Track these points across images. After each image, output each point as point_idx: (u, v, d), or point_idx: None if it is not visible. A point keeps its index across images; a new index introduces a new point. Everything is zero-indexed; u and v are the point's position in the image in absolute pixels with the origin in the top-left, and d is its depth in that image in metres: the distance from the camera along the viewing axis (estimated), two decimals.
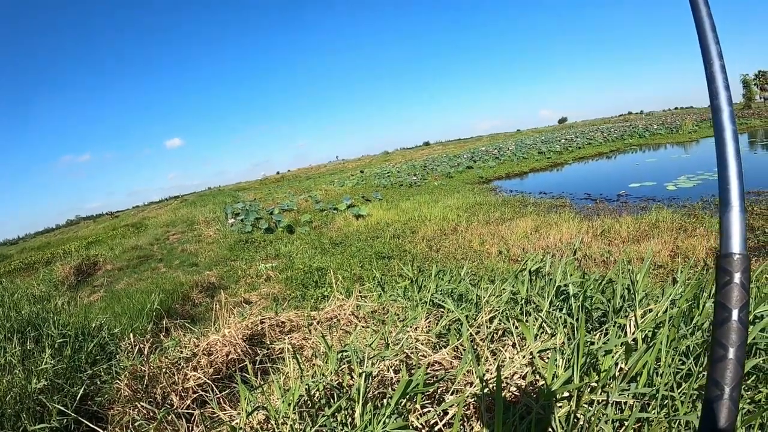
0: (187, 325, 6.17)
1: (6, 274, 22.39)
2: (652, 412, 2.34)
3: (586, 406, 2.41)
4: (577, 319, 2.95)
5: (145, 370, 4.73)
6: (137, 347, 5.33)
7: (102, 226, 52.30)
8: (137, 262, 18.48)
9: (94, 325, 6.71)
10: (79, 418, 4.10)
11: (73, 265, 18.00)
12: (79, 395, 4.70)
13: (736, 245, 1.04)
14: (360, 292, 5.43)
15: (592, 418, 2.31)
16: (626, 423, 2.29)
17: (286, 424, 2.60)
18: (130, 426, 4.08)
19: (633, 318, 2.87)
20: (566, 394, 2.47)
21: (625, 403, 2.42)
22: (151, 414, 4.19)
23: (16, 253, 40.19)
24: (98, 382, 5.14)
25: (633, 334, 2.79)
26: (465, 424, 2.55)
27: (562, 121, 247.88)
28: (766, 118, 61.91)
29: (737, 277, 1.00)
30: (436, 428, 2.53)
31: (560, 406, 2.42)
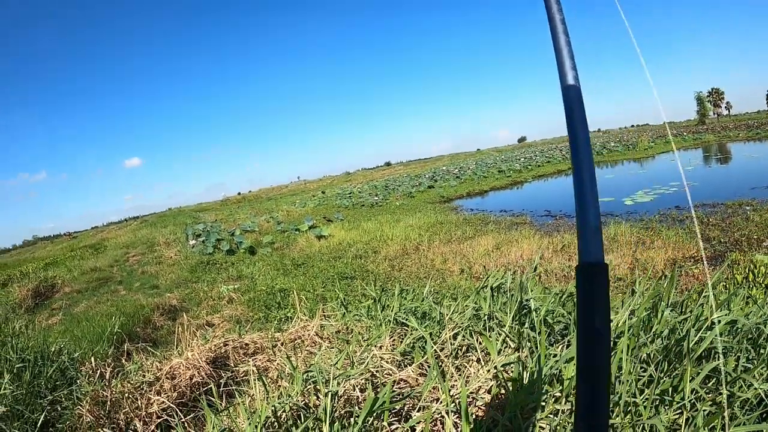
0: (149, 348, 6.12)
1: None
2: (617, 418, 2.39)
3: (551, 416, 2.45)
4: (539, 333, 2.99)
5: (107, 395, 4.67)
6: (98, 372, 5.26)
7: (60, 247, 51.52)
8: (97, 285, 18.24)
9: (53, 349, 6.59)
10: None
11: (31, 287, 17.68)
12: (39, 422, 4.62)
13: (593, 254, 1.03)
14: (324, 312, 5.43)
15: (558, 427, 2.35)
16: None
17: None
18: None
19: None
20: (531, 405, 2.51)
21: None
22: None
23: None
24: (59, 408, 5.06)
25: None
26: None
27: (522, 140, 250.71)
28: (719, 133, 63.53)
29: (596, 284, 1.01)
30: None
31: (526, 417, 2.45)
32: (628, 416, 2.40)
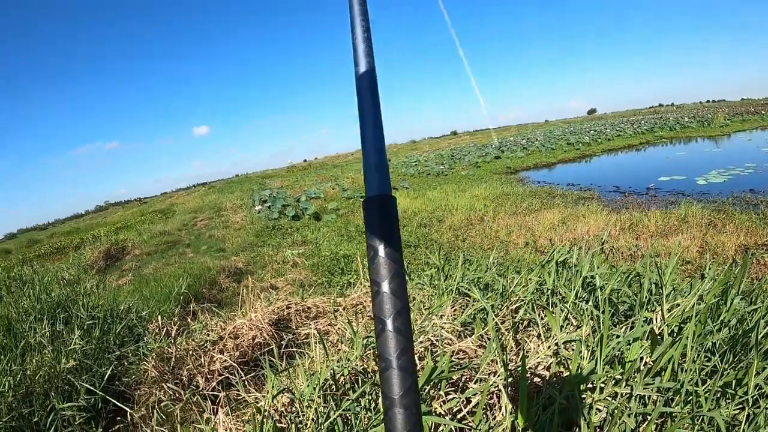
0: (214, 309, 6.24)
1: (36, 258, 22.71)
2: (676, 407, 2.32)
3: (609, 398, 2.40)
4: (602, 312, 2.94)
5: (172, 352, 4.79)
6: (165, 330, 5.40)
7: (131, 212, 52.74)
8: (165, 247, 18.63)
9: (122, 307, 6.80)
10: (107, 397, 4.17)
11: (102, 249, 18.18)
12: (107, 375, 4.78)
13: (378, 188, 0.96)
14: None
15: (615, 411, 2.31)
16: (649, 417, 2.28)
17: (311, 407, 2.62)
18: (156, 406, 4.13)
19: (660, 312, 2.86)
20: (590, 385, 2.47)
21: (649, 397, 2.41)
22: (177, 395, 4.25)
23: (46, 238, 40.63)
24: (126, 363, 5.23)
25: (659, 328, 2.78)
26: (488, 412, 2.56)
27: (592, 112, 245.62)
28: None
29: (386, 214, 0.94)
30: (459, 415, 2.54)
31: (583, 398, 2.42)
32: (688, 406, 2.34)
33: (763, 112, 66.78)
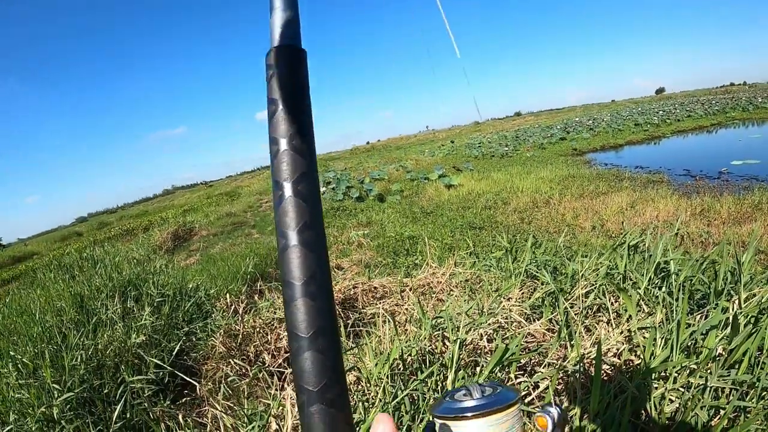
0: (280, 288, 6.31)
1: (107, 239, 23.48)
2: (750, 401, 2.25)
3: (682, 389, 2.35)
4: (676, 299, 2.88)
5: (239, 329, 4.87)
6: (232, 307, 5.49)
7: (197, 195, 53.84)
8: (231, 228, 18.98)
9: (191, 286, 6.95)
10: (175, 372, 4.27)
11: (170, 231, 18.68)
12: (175, 350, 4.91)
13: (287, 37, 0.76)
14: (453, 261, 5.43)
15: (689, 402, 2.25)
16: (723, 411, 2.22)
17: (379, 385, 2.64)
18: (223, 381, 4.21)
19: (737, 301, 2.78)
20: (662, 374, 2.42)
21: (722, 389, 2.35)
22: (244, 370, 4.32)
23: (116, 221, 41.83)
24: (194, 339, 5.34)
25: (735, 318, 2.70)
26: (556, 398, 2.54)
27: (660, 91, 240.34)
28: None
29: (295, 68, 0.76)
30: (527, 399, 2.52)
31: (656, 387, 2.37)
32: (763, 401, 2.26)
33: None
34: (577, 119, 70.94)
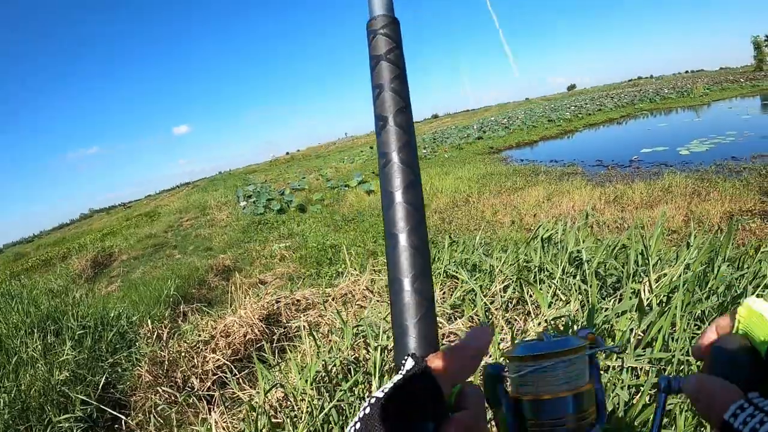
0: (204, 308, 6.23)
1: (24, 271, 22.66)
2: None
3: (601, 372, 2.40)
4: (590, 285, 2.95)
5: (164, 356, 4.79)
6: (156, 333, 5.39)
7: (116, 218, 52.67)
8: (152, 251, 18.61)
9: (112, 314, 6.78)
10: (102, 407, 4.17)
11: (89, 257, 18.16)
12: (101, 384, 4.77)
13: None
14: (374, 267, 5.44)
15: (608, 384, 2.31)
16: (642, 389, 2.28)
17: (305, 400, 2.62)
18: (153, 411, 4.13)
19: (647, 283, 2.87)
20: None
21: (641, 368, 2.42)
22: (173, 398, 4.25)
23: (33, 251, 40.50)
24: (119, 370, 5.21)
25: (647, 299, 2.78)
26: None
27: (572, 88, 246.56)
28: None
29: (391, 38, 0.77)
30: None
31: None
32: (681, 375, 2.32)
33: (742, 80, 67.07)
34: (492, 118, 72.23)
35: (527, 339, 0.77)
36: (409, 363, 0.53)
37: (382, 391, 0.48)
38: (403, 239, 0.67)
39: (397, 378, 0.51)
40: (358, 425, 0.47)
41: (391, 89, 0.74)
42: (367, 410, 0.47)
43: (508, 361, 0.69)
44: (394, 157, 0.72)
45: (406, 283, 0.65)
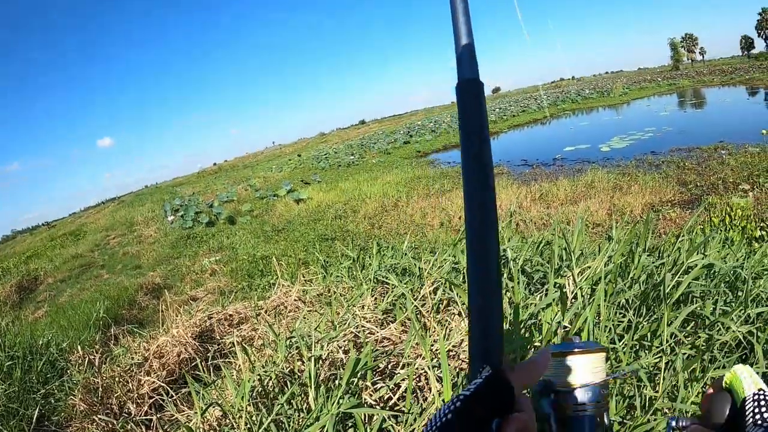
0: (135, 330, 6.13)
1: None
2: None
3: None
4: (517, 282, 3.01)
5: (98, 382, 4.68)
6: (87, 359, 5.26)
7: (39, 238, 51.11)
8: (79, 272, 18.18)
9: (41, 342, 6.59)
10: None
11: (14, 282, 17.64)
12: (35, 417, 4.63)
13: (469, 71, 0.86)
14: (304, 277, 5.45)
15: None
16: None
17: (242, 417, 2.61)
18: None
19: (571, 276, 2.94)
20: (512, 354, 2.52)
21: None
22: (110, 425, 4.16)
23: None
24: (53, 401, 5.08)
25: (572, 292, 2.86)
26: (418, 395, 2.59)
27: (496, 90, 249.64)
28: (693, 78, 63.55)
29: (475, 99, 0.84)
30: (390, 402, 2.56)
31: None
32: (607, 363, 2.40)
33: (659, 79, 69.43)
34: (419, 123, 72.79)
35: (563, 343, 0.91)
36: (486, 371, 0.62)
37: (468, 390, 0.58)
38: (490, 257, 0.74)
39: (478, 381, 0.60)
40: (449, 415, 0.56)
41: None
42: (457, 404, 0.56)
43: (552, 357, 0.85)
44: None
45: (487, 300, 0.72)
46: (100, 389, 4.62)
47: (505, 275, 3.32)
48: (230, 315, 5.45)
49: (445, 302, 3.46)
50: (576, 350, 0.86)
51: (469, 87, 0.85)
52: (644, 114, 34.14)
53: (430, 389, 2.56)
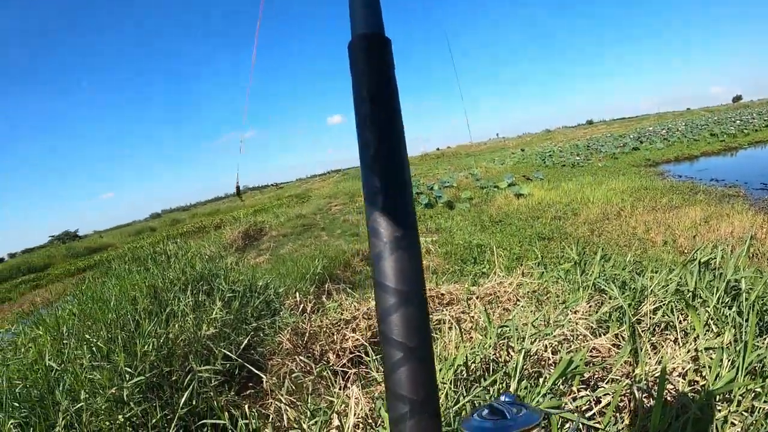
0: (348, 290, 6.38)
1: (180, 235, 24.15)
2: None
3: (746, 413, 2.32)
4: (746, 319, 2.84)
5: (306, 328, 4.96)
6: (301, 306, 5.60)
7: (267, 196, 54.71)
8: (301, 230, 19.26)
9: (260, 283, 7.11)
10: (244, 363, 4.38)
11: (241, 230, 19.11)
12: (243, 344, 5.02)
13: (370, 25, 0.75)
14: (521, 271, 5.42)
15: (751, 427, 2.23)
16: None
17: (444, 390, 2.67)
18: (288, 376, 4.29)
19: None
20: (726, 396, 2.40)
21: None
22: (309, 368, 4.39)
23: (189, 218, 42.84)
24: (261, 335, 5.46)
25: None
26: (617, 414, 2.53)
27: (737, 99, 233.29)
28: None
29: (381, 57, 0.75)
30: (588, 414, 2.53)
31: (719, 410, 2.35)
32: None
33: None
34: (650, 128, 69.64)
35: (482, 408, 0.84)
36: None
37: None
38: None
39: None
40: None
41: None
42: None
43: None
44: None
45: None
46: (307, 335, 4.90)
47: (734, 309, 3.14)
48: (442, 294, 5.53)
49: (662, 325, 3.33)
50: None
51: (368, 44, 0.75)
52: None
53: (630, 411, 2.49)
